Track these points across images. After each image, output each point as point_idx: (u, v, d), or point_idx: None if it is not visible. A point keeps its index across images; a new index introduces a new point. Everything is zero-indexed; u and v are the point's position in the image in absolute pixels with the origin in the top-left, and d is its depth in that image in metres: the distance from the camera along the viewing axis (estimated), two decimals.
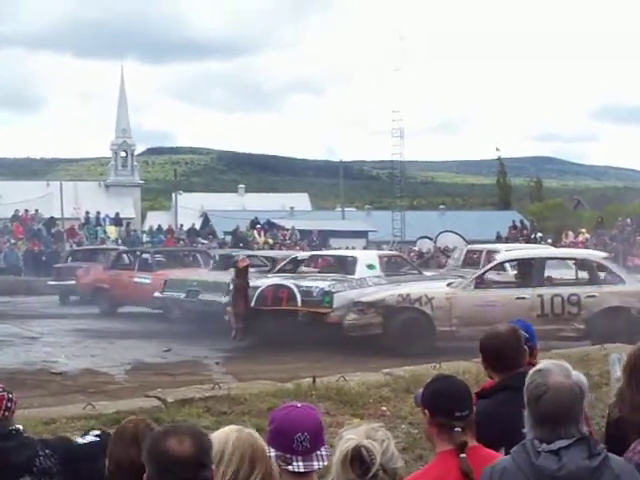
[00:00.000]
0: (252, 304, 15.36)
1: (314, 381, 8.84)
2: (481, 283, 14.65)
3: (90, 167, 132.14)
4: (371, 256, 17.68)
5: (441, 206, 61.93)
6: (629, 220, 36.49)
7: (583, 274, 15.06)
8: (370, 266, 16.36)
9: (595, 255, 15.95)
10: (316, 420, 2.95)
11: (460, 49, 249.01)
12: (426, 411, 3.36)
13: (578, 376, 2.86)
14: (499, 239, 38.09)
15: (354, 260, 16.98)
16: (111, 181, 61.55)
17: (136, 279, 20.15)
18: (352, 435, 2.93)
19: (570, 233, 36.72)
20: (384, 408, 8.18)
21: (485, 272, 15.07)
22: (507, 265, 16.41)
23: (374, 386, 8.86)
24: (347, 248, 30.04)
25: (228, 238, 36.54)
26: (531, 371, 2.91)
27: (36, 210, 36.99)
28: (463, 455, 3.22)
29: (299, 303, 15.12)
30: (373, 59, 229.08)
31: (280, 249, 30.33)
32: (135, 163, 63.54)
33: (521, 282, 14.92)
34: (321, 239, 36.06)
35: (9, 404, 3.46)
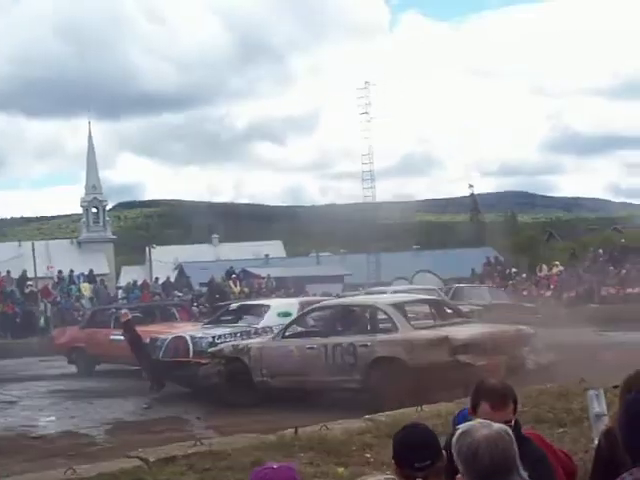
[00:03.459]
0: (160, 356, 15.98)
1: (296, 431, 8.80)
2: (288, 333, 14.55)
3: (61, 224, 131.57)
4: (288, 304, 17.74)
5: (415, 246, 62.15)
6: (601, 251, 36.80)
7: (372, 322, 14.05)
8: (284, 314, 16.23)
9: (381, 301, 14.71)
10: None
11: (422, 91, 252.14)
12: (392, 461, 3.43)
13: (500, 426, 2.93)
14: (474, 276, 38.27)
15: (265, 308, 17.27)
16: (83, 238, 61.32)
17: (112, 337, 20.00)
18: None
19: (544, 266, 36.95)
20: (368, 455, 8.15)
21: (294, 322, 14.96)
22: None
23: (356, 433, 8.83)
24: (323, 293, 30.13)
25: (204, 289, 36.42)
26: (455, 437, 2.93)
27: (8, 271, 36.73)
28: None
29: (190, 354, 15.60)
30: (333, 104, 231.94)
31: (257, 298, 30.27)
32: (107, 218, 63.40)
33: (316, 331, 14.55)
34: (297, 286, 36.03)
35: None
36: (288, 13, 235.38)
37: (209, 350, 15.21)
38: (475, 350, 12.51)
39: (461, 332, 13.12)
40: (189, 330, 17.29)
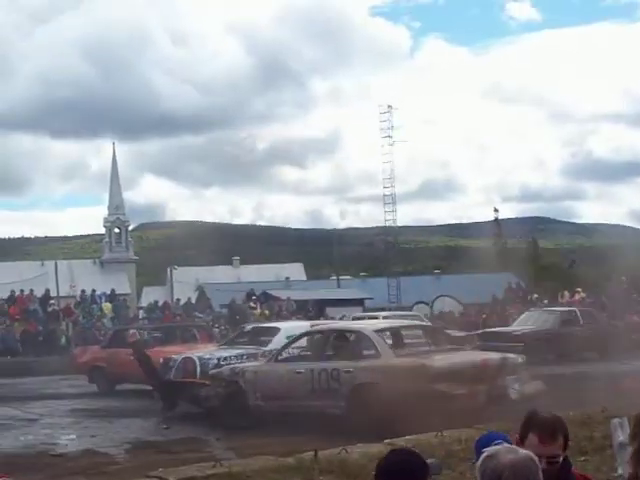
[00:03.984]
0: (172, 376, 16.27)
1: (316, 454, 8.79)
2: (281, 357, 14.71)
3: (84, 245, 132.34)
4: (298, 327, 17.65)
5: (436, 270, 62.03)
6: (624, 278, 36.58)
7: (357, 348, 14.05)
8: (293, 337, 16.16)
9: (366, 328, 14.61)
10: None
11: (442, 116, 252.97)
12: None
13: (527, 452, 2.93)
14: (495, 301, 38.12)
15: (275, 331, 17.51)
16: (106, 258, 61.66)
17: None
18: None
19: (566, 293, 36.77)
20: None
21: (287, 345, 15.09)
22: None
23: (376, 457, 8.71)
24: (343, 316, 30.15)
25: (225, 311, 36.49)
26: (480, 460, 2.94)
27: (31, 290, 36.97)
28: None
29: (197, 374, 15.88)
30: (353, 128, 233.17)
31: (277, 320, 30.33)
32: (129, 239, 63.74)
33: (306, 356, 14.65)
34: (317, 309, 36.02)
35: None
36: (309, 37, 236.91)
37: (210, 372, 15.46)
38: (454, 378, 12.42)
39: (441, 360, 13.02)
40: (201, 351, 17.38)
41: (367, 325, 15.49)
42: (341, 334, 14.93)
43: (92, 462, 11.55)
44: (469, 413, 11.65)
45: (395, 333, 14.79)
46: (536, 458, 2.93)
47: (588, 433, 9.30)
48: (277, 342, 16.35)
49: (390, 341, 13.98)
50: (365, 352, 13.67)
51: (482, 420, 10.65)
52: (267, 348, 16.33)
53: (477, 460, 4.32)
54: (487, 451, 2.95)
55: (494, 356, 13.87)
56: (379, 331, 14.08)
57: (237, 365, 15.25)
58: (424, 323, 16.39)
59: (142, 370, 17.08)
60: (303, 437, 11.95)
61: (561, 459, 3.67)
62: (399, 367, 12.80)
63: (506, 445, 2.98)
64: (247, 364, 15.26)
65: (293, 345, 15.25)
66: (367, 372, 13.04)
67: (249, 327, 19.80)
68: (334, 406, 13.00)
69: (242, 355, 16.23)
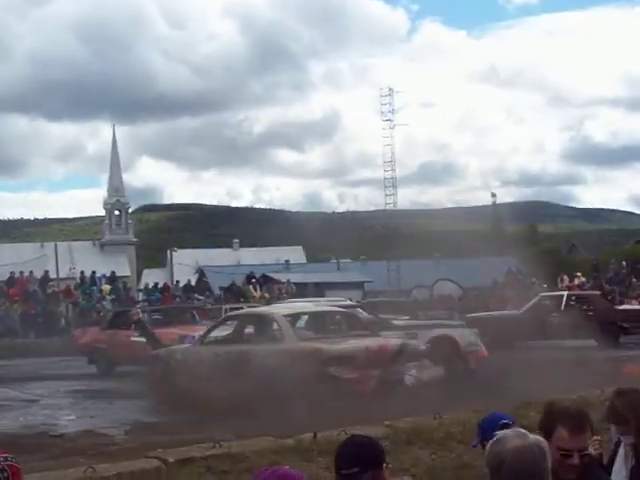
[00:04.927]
0: None
1: (315, 436, 8.81)
2: (207, 340, 15.16)
3: (84, 226, 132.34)
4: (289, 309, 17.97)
5: (436, 254, 61.96)
6: (624, 263, 36.63)
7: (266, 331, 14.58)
8: None
9: (277, 312, 15.05)
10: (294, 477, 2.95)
11: (440, 99, 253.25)
12: None
13: (536, 438, 2.88)
14: (495, 285, 38.15)
15: None
16: (106, 240, 61.64)
17: (133, 338, 20.10)
18: None
19: (565, 277, 36.80)
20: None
21: (212, 329, 15.57)
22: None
23: (375, 438, 8.83)
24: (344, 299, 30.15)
25: (224, 293, 36.52)
26: (490, 443, 2.91)
27: (30, 272, 36.98)
28: None
29: None
30: (351, 110, 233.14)
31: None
32: (129, 221, 63.70)
33: (226, 339, 15.00)
34: (317, 292, 36.06)
35: (4, 474, 3.28)
36: (307, 20, 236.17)
37: (151, 352, 16.04)
38: (346, 363, 12.73)
39: (338, 345, 13.31)
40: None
41: (278, 310, 15.78)
42: (256, 318, 15.51)
43: (91, 443, 11.58)
44: (364, 397, 11.97)
45: (307, 318, 15.46)
46: (546, 444, 2.85)
47: None
48: None
49: (300, 326, 14.63)
50: (273, 336, 14.16)
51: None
52: None
53: (478, 442, 4.34)
54: (497, 435, 2.92)
55: (393, 342, 13.99)
56: (288, 316, 14.48)
57: (171, 347, 15.87)
58: (339, 309, 16.45)
59: (150, 346, 17.32)
60: (304, 418, 11.99)
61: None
62: (298, 351, 13.24)
63: (518, 430, 2.92)
64: (178, 346, 15.94)
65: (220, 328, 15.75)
66: (272, 355, 13.41)
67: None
68: (247, 388, 13.16)
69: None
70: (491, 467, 2.83)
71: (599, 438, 4.24)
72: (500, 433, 2.93)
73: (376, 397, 12.02)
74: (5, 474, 3.18)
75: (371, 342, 13.67)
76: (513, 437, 2.85)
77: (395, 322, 17.92)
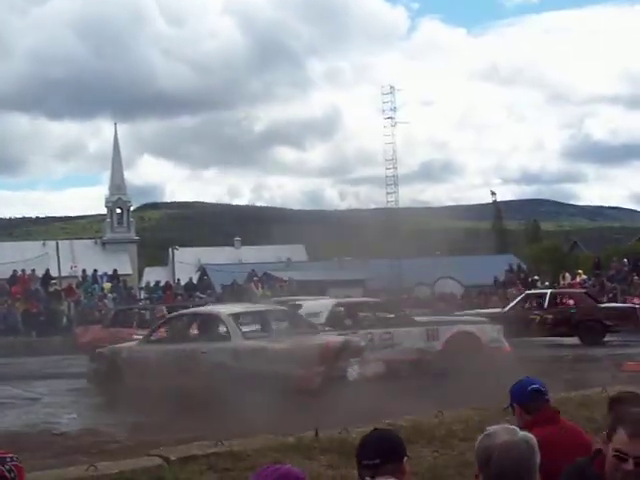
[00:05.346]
0: None
1: (317, 434, 8.82)
2: (152, 338, 15.67)
3: (86, 225, 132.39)
4: (320, 304, 18.05)
5: (437, 252, 61.93)
6: (626, 260, 36.58)
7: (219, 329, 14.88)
8: (314, 314, 16.59)
9: (223, 311, 15.27)
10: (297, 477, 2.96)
11: (442, 96, 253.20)
12: None
13: (525, 434, 2.90)
14: (496, 283, 38.15)
15: (297, 308, 17.65)
16: (107, 238, 61.67)
17: (135, 336, 20.10)
18: None
19: (567, 275, 36.79)
20: None
21: (158, 327, 16.22)
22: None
23: None
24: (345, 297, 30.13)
25: (226, 292, 36.50)
26: (480, 437, 2.95)
27: (33, 270, 37.00)
28: None
29: None
30: (352, 108, 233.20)
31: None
32: (131, 219, 63.71)
33: (172, 337, 15.48)
34: (319, 290, 36.01)
35: (11, 474, 3.20)
36: (307, 17, 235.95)
37: (96, 350, 16.31)
38: (293, 360, 13.07)
39: (283, 343, 13.66)
40: None
41: (224, 309, 15.96)
42: (202, 317, 15.85)
43: (93, 441, 11.58)
44: (310, 394, 12.33)
45: (252, 317, 15.93)
46: (535, 442, 2.86)
47: (588, 414, 9.31)
48: None
49: (245, 325, 14.99)
50: (220, 334, 14.57)
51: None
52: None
53: (508, 405, 4.53)
54: (489, 429, 2.95)
55: (336, 339, 14.30)
56: (234, 315, 14.74)
57: (117, 345, 16.19)
58: (282, 308, 16.78)
59: None
60: (306, 416, 11.99)
61: None
62: (244, 349, 13.64)
63: (507, 426, 2.95)
64: (124, 344, 16.26)
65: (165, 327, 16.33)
66: (219, 353, 13.79)
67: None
68: (195, 386, 13.51)
69: None
70: (480, 461, 2.87)
71: None
72: (490, 428, 2.97)
73: (321, 393, 12.34)
74: (12, 474, 3.20)
75: (316, 340, 14.12)
76: (502, 433, 2.89)
77: (417, 318, 18.08)
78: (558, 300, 25.53)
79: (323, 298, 20.92)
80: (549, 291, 25.47)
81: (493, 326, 17.83)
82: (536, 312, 24.38)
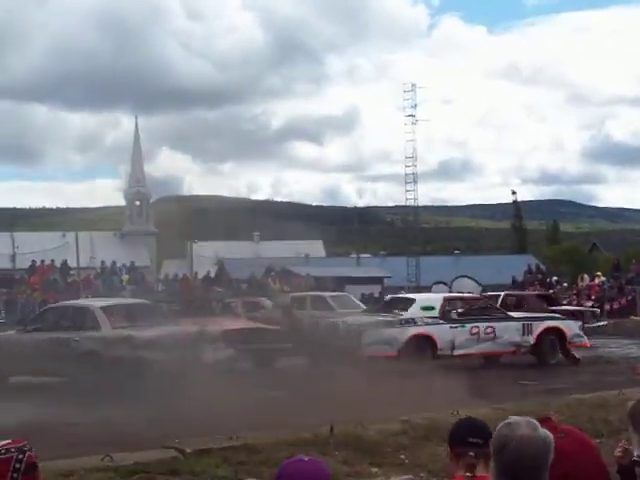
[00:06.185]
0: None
1: (332, 429, 8.81)
2: (28, 328, 17.30)
3: (105, 216, 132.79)
4: (432, 298, 19.90)
5: (456, 251, 61.81)
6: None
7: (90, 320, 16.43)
8: (427, 307, 18.41)
9: (93, 304, 17.32)
10: (326, 474, 2.91)
11: (462, 95, 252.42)
12: (449, 449, 3.52)
13: (545, 432, 2.88)
14: (515, 283, 38.00)
15: (410, 301, 19.24)
16: (126, 230, 61.81)
17: None
18: None
19: (586, 276, 36.60)
20: (402, 456, 8.14)
21: (36, 318, 18.12)
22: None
23: (392, 434, 8.82)
24: (363, 294, 30.15)
25: (244, 286, 36.53)
26: (500, 424, 2.94)
27: (52, 260, 37.17)
28: (468, 474, 3.33)
29: None
30: (371, 105, 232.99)
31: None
32: (150, 211, 63.82)
33: (47, 327, 16.96)
34: (336, 286, 35.97)
35: (18, 465, 3.02)
36: (326, 13, 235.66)
37: None
38: (156, 347, 14.72)
39: (146, 332, 15.52)
40: (345, 317, 19.39)
41: (95, 302, 18.17)
42: (75, 309, 17.85)
43: (108, 431, 11.59)
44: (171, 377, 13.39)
45: (120, 310, 17.32)
46: (551, 440, 2.84)
47: (604, 415, 9.27)
48: (412, 312, 18.28)
49: (113, 316, 16.48)
50: (90, 325, 16.24)
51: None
52: (404, 317, 18.08)
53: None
54: (510, 418, 2.94)
55: (192, 328, 15.94)
56: (104, 308, 16.65)
57: (2, 334, 18.04)
58: (148, 302, 18.96)
59: (289, 331, 18.25)
60: (321, 411, 11.97)
61: None
62: (112, 337, 15.50)
63: (529, 419, 2.92)
64: (3, 333, 18.22)
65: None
66: (90, 341, 15.66)
67: (387, 297, 22.51)
68: (68, 372, 15.09)
69: (380, 322, 18.12)
70: (494, 447, 2.87)
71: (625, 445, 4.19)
72: (512, 418, 2.96)
73: (180, 376, 13.39)
74: (18, 465, 3.01)
75: (174, 329, 15.94)
76: (523, 425, 2.87)
77: (511, 314, 19.58)
78: (509, 302, 25.28)
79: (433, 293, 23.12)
80: (503, 293, 25.29)
81: (576, 322, 20.16)
82: None
